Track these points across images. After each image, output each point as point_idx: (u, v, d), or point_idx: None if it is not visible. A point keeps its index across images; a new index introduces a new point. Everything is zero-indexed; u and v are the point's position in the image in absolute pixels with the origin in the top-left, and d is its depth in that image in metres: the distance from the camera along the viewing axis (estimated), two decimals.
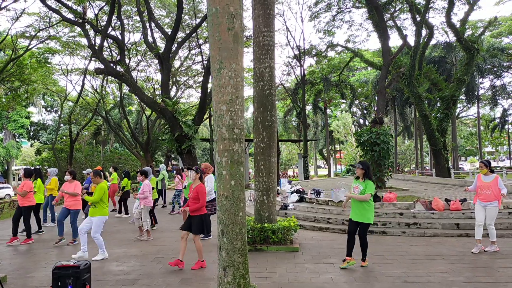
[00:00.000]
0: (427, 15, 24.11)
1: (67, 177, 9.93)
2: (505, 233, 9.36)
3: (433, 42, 31.64)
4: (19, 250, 9.31)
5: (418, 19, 23.84)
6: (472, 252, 7.84)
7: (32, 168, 11.15)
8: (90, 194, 8.57)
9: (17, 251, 9.22)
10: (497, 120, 52.79)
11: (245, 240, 5.21)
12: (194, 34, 24.76)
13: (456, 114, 45.07)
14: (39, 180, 11.11)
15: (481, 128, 53.59)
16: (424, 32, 25.14)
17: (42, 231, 11.47)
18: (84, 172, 16.16)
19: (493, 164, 64.51)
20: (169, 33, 21.70)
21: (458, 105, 43.07)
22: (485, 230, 8.01)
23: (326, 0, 29.94)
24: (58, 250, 9.12)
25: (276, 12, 32.94)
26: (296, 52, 35.75)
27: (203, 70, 25.61)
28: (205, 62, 23.93)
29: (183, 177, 13.99)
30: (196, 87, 37.80)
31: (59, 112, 42.59)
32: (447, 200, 10.96)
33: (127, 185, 14.44)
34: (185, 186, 11.44)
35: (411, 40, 25.59)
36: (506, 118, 50.66)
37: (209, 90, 21.14)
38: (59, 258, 8.02)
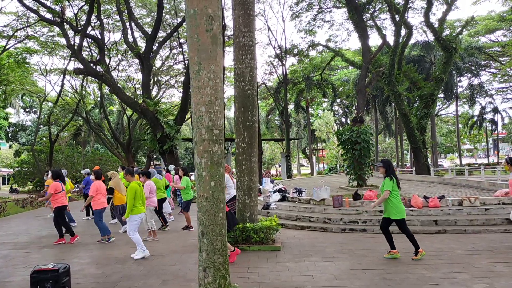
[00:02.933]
0: (406, 15, 24.48)
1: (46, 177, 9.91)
2: (481, 229, 9.57)
3: (412, 41, 32.12)
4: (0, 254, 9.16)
5: (397, 19, 24.19)
6: None
7: (53, 169, 11.11)
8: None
9: None
10: (475, 118, 53.88)
11: (225, 241, 5.23)
12: (175, 34, 24.63)
13: (435, 112, 45.85)
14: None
15: (460, 125, 54.62)
16: (403, 31, 25.52)
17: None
18: (82, 172, 15.92)
19: (472, 161, 65.88)
20: (150, 32, 21.54)
21: (437, 103, 43.81)
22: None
23: (307, 0, 30.11)
24: (38, 253, 8.98)
25: (257, 11, 33.05)
26: (278, 52, 35.89)
27: (184, 70, 25.55)
28: (186, 62, 23.86)
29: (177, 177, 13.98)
30: (177, 87, 37.63)
31: (38, 113, 41.94)
32: (425, 198, 11.17)
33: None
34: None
35: (391, 40, 26.01)
36: (484, 116, 51.78)
37: (190, 90, 21.03)
38: (39, 262, 7.91)
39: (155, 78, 34.34)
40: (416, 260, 7.26)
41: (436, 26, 25.25)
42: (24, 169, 35.72)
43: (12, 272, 7.48)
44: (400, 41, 24.58)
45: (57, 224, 10.07)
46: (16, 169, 37.03)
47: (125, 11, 21.39)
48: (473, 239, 8.64)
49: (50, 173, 10.64)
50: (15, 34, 25.37)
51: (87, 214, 14.44)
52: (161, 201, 11.77)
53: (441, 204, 10.88)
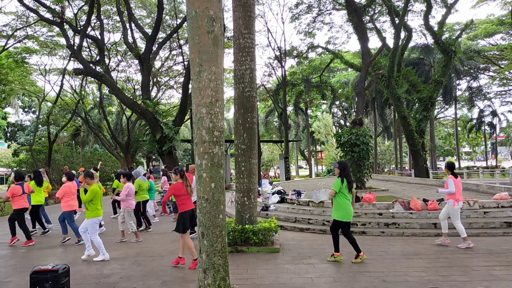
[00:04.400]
0: (405, 17, 24.52)
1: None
2: (480, 232, 9.58)
3: (411, 44, 32.16)
4: None
5: (397, 21, 24.23)
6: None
7: (34, 170, 11.12)
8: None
9: None
10: (474, 121, 53.94)
11: (225, 242, 5.23)
12: (175, 35, 24.64)
13: (434, 115, 45.91)
14: (32, 182, 11.03)
15: (459, 128, 54.65)
16: (403, 34, 25.56)
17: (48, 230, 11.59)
18: (73, 172, 15.89)
19: (470, 164, 65.98)
20: (150, 33, 21.55)
21: (436, 106, 43.87)
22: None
23: (306, 2, 30.16)
24: (37, 253, 8.97)
25: (257, 13, 33.06)
26: (277, 53, 35.91)
27: (184, 71, 25.52)
28: (186, 63, 23.86)
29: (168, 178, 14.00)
30: (177, 88, 37.58)
31: (37, 113, 41.89)
32: (425, 200, 11.17)
33: (118, 186, 14.24)
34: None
35: (390, 42, 26.04)
36: (483, 119, 51.84)
37: (190, 91, 21.01)
38: (38, 262, 7.89)
39: (155, 79, 34.32)
40: (357, 263, 7.39)
41: (435, 29, 25.29)
42: (23, 169, 35.59)
43: (11, 272, 7.47)
44: (400, 43, 24.61)
45: (11, 224, 10.07)
46: (15, 169, 36.92)
47: (125, 11, 21.40)
48: (472, 242, 8.64)
49: (13, 174, 10.73)
50: (15, 33, 25.33)
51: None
52: (144, 203, 11.88)
53: (440, 207, 10.88)
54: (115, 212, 14.56)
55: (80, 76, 28.93)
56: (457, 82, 43.46)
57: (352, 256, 7.68)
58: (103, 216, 8.77)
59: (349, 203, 7.48)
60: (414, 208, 10.80)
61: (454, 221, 8.54)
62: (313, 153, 57.04)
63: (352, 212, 7.57)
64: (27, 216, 10.98)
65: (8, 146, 57.88)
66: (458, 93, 46.18)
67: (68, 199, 9.76)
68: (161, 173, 16.26)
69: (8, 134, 55.55)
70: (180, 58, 31.59)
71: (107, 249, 8.75)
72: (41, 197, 11.30)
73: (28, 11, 21.87)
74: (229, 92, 42.15)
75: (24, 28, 25.33)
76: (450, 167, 8.84)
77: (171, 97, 46.34)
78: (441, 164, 66.12)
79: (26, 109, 54.68)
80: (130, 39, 21.89)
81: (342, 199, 7.42)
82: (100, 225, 11.94)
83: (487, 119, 52.64)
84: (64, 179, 10.16)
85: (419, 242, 8.99)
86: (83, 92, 33.45)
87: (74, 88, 33.55)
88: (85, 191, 8.46)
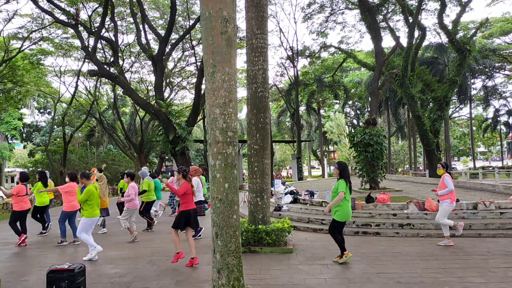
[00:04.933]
0: (419, 16, 24.31)
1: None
2: (496, 233, 9.45)
3: (425, 43, 31.87)
4: (13, 253, 9.27)
5: (411, 20, 24.03)
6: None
7: (39, 170, 11.28)
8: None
9: (10, 254, 9.18)
10: (489, 121, 53.23)
11: (239, 243, 5.24)
12: (187, 36, 24.73)
13: (449, 114, 45.38)
14: (39, 183, 11.13)
15: (474, 128, 53.94)
16: (416, 33, 25.34)
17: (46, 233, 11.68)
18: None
19: (486, 164, 65.05)
20: (163, 34, 21.66)
21: (451, 106, 43.34)
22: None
23: (319, 2, 30.05)
24: (52, 252, 9.09)
25: (269, 13, 33.01)
26: (290, 53, 35.83)
27: (196, 72, 25.60)
28: (198, 64, 23.92)
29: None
30: (189, 88, 37.74)
31: (52, 114, 42.43)
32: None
33: (124, 186, 14.39)
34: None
35: (404, 42, 25.83)
36: (498, 119, 51.10)
37: (202, 92, 21.13)
38: (54, 261, 8.00)
39: (168, 80, 34.50)
40: (341, 263, 7.41)
41: (450, 28, 25.03)
42: (38, 169, 36.12)
43: (27, 271, 7.58)
44: (414, 43, 24.40)
45: (13, 226, 10.20)
46: (30, 169, 37.47)
47: (139, 13, 21.55)
48: (488, 243, 8.53)
49: (18, 175, 10.94)
50: (30, 35, 25.68)
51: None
52: (150, 203, 12.05)
53: (456, 207, 10.74)
54: (121, 213, 14.68)
55: (94, 78, 29.18)
56: (472, 81, 42.92)
57: (366, 257, 7.63)
58: (110, 216, 8.85)
59: (349, 204, 7.56)
60: (429, 208, 10.68)
61: (441, 218, 8.62)
62: (325, 153, 56.82)
63: (351, 213, 7.64)
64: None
65: (24, 147, 58.77)
66: (473, 92, 45.61)
67: (71, 199, 9.79)
68: (170, 173, 16.36)
69: (24, 135, 56.29)
70: (192, 59, 31.70)
71: (121, 248, 8.84)
72: (45, 198, 11.39)
73: (43, 13, 22.13)
74: (241, 93, 42.18)
75: (39, 30, 25.65)
76: (447, 165, 9.21)
77: (184, 98, 46.60)
78: (456, 164, 65.41)
79: (41, 110, 55.40)
80: (143, 41, 22.04)
81: (346, 200, 7.44)
82: (104, 226, 12.12)
83: (503, 119, 51.89)
84: (67, 179, 10.32)
85: (434, 243, 8.89)
86: (97, 93, 33.77)
87: (88, 89, 33.90)
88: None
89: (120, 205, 14.48)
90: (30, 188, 11.01)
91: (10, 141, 49.42)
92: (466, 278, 6.37)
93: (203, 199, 10.85)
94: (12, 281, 6.88)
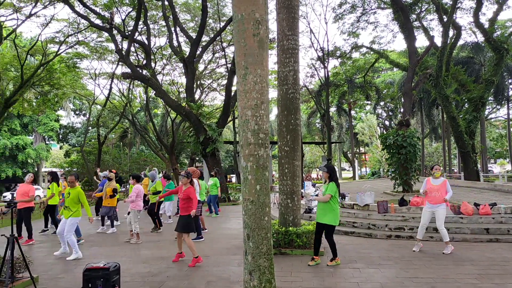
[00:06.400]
0: (454, 15, 23.65)
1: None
2: None
3: (460, 42, 30.99)
4: (50, 250, 9.56)
5: (445, 19, 23.40)
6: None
7: (51, 171, 11.87)
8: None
9: (47, 251, 9.48)
10: None
11: (270, 245, 5.22)
12: (218, 38, 24.94)
13: (485, 115, 43.96)
14: (54, 184, 11.57)
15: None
16: (451, 32, 24.67)
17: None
18: (101, 174, 16.52)
19: None
20: (194, 37, 21.94)
21: (487, 107, 41.98)
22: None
23: (350, 2, 29.69)
24: (87, 251, 9.32)
25: (300, 14, 32.86)
26: (320, 54, 35.51)
27: (226, 73, 25.78)
28: (229, 65, 24.08)
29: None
30: (220, 90, 38.02)
31: (87, 115, 43.59)
32: (476, 204, 10.73)
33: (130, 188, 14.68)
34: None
35: (438, 41, 25.14)
36: None
37: (233, 93, 21.26)
38: (88, 260, 8.21)
39: (198, 82, 34.87)
40: (332, 266, 7.44)
41: (486, 26, 24.24)
42: (74, 169, 37.19)
43: (63, 269, 7.80)
44: (448, 42, 23.77)
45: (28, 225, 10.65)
46: (66, 169, 38.63)
47: (171, 16, 21.88)
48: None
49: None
50: (66, 40, 26.44)
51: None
52: (158, 204, 12.39)
53: (493, 211, 10.42)
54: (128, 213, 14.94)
55: (128, 80, 29.85)
56: (510, 81, 41.43)
57: (399, 260, 7.48)
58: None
59: (338, 207, 7.57)
60: (465, 212, 10.39)
61: (442, 224, 8.32)
62: (356, 155, 56.09)
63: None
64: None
65: (61, 147, 60.60)
66: (511, 92, 44.02)
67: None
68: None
69: (60, 136, 58.09)
70: (223, 61, 31.94)
71: (153, 248, 8.98)
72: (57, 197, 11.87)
73: (79, 17, 22.77)
74: (271, 94, 42.11)
75: (75, 34, 26.39)
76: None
77: (214, 99, 46.91)
78: (492, 167, 63.30)
79: (77, 112, 57.06)
80: (175, 43, 22.37)
81: (335, 203, 7.44)
82: (104, 223, 12.46)
83: None
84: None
85: (470, 248, 8.63)
86: (130, 95, 34.50)
87: (122, 92, 34.67)
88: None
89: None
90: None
91: (47, 142, 51.08)
92: (505, 285, 6.15)
93: (201, 199, 11.12)
94: (49, 278, 7.10)
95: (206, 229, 11.68)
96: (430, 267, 7.21)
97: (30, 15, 22.05)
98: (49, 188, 11.66)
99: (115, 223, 12.49)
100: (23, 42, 37.84)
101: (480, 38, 30.08)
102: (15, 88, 24.55)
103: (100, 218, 12.77)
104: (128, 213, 10.67)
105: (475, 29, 26.84)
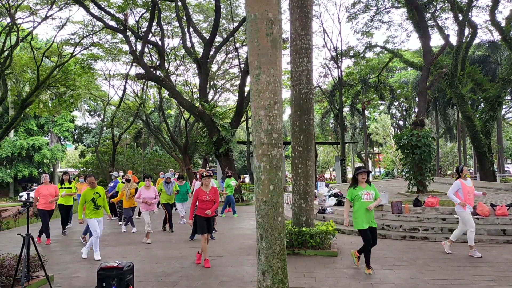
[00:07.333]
0: (470, 14, 23.34)
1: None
2: None
3: (476, 41, 30.53)
4: (65, 250, 9.68)
5: (461, 18, 23.10)
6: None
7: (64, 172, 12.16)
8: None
9: (62, 251, 9.60)
10: None
11: (283, 245, 5.21)
12: (231, 38, 24.98)
13: (502, 115, 43.26)
14: (74, 182, 12.01)
15: None
16: (466, 31, 24.34)
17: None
18: (113, 174, 16.66)
19: None
20: (207, 37, 22.00)
21: (504, 106, 41.28)
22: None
23: (364, 1, 29.50)
24: (102, 251, 9.38)
25: (313, 14, 32.77)
26: (333, 54, 35.37)
27: (240, 74, 25.81)
28: (242, 66, 24.10)
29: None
30: (233, 91, 38.08)
31: (102, 116, 44.04)
32: (492, 205, 10.56)
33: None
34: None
35: (453, 40, 24.84)
36: None
37: (246, 93, 21.28)
38: (103, 259, 8.29)
39: (211, 82, 34.96)
40: (353, 267, 7.36)
41: (503, 25, 23.85)
42: (89, 170, 37.58)
43: (78, 268, 7.89)
44: (464, 41, 23.45)
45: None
46: (81, 169, 39.05)
47: (184, 17, 21.98)
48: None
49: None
50: (81, 41, 26.74)
51: (115, 215, 14.97)
52: (170, 206, 12.41)
53: (510, 212, 10.24)
54: (138, 214, 15.02)
55: (142, 81, 30.06)
56: None
57: (414, 262, 7.40)
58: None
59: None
60: (481, 213, 10.23)
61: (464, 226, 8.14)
62: (370, 155, 55.68)
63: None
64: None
65: (76, 148, 61.30)
66: None
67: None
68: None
69: (75, 136, 58.74)
70: (236, 61, 31.99)
71: (167, 248, 9.02)
72: (70, 197, 12.10)
73: (94, 19, 23.01)
74: (284, 94, 42.05)
75: (90, 36, 26.68)
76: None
77: (227, 100, 47.13)
78: (509, 167, 62.25)
79: (92, 113, 57.66)
80: (188, 44, 22.46)
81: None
82: (134, 224, 12.65)
83: None
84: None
85: (487, 249, 8.50)
86: (144, 96, 34.74)
87: (136, 92, 34.94)
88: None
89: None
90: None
91: (62, 143, 51.68)
92: None
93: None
94: (64, 277, 7.19)
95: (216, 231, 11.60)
96: (445, 269, 7.12)
97: (46, 17, 22.31)
98: (70, 188, 11.82)
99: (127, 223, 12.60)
100: (39, 43, 38.37)
101: (497, 36, 29.61)
102: (31, 90, 24.90)
103: (123, 221, 12.81)
104: (139, 214, 10.81)
105: (491, 27, 26.40)
